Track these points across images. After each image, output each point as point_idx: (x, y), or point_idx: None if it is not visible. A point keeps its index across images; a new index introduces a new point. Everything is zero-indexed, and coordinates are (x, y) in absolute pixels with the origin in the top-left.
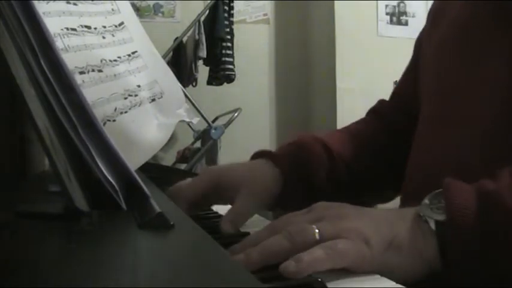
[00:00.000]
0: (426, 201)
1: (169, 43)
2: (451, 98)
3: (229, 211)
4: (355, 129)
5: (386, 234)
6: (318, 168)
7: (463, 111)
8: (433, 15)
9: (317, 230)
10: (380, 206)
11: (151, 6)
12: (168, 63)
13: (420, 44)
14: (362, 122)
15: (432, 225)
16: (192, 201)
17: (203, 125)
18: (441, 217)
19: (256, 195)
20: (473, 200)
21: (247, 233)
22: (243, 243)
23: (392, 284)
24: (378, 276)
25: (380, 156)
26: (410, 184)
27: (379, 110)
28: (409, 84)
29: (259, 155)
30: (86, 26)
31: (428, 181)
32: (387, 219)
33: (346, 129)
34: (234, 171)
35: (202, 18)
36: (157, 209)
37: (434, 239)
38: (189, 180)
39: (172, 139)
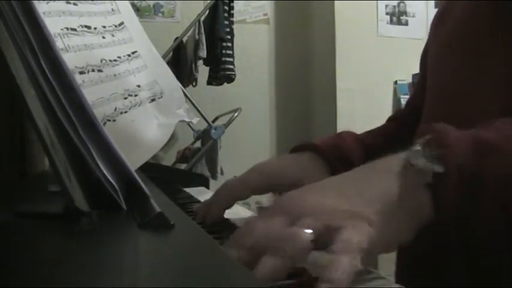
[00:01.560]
0: (416, 149)
1: (169, 43)
2: (453, 97)
3: None
4: (379, 130)
5: (379, 200)
6: (356, 160)
7: (465, 110)
8: (437, 21)
9: (307, 231)
10: None
11: (151, 6)
12: (168, 63)
13: (425, 57)
14: (383, 126)
15: (428, 176)
16: (236, 199)
17: (203, 125)
18: (438, 168)
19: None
20: (471, 151)
21: (233, 224)
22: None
23: (393, 284)
24: (376, 275)
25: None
26: None
27: (397, 116)
28: (419, 94)
29: (301, 148)
30: (86, 26)
31: None
32: (372, 179)
33: (371, 130)
34: (289, 171)
35: (202, 18)
36: (157, 209)
37: (427, 190)
38: (239, 179)
39: (172, 139)
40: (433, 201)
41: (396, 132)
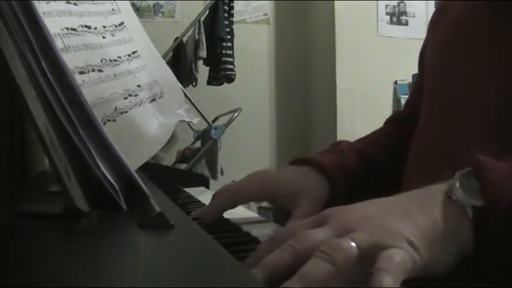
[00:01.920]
0: (456, 182)
1: (169, 43)
2: (451, 96)
3: (293, 218)
4: (378, 135)
5: (425, 228)
6: (355, 172)
7: (462, 109)
8: (434, 20)
9: (353, 244)
10: None
11: (151, 6)
12: (168, 63)
13: (423, 56)
14: (381, 130)
15: (469, 211)
16: (239, 203)
17: (203, 125)
18: (478, 202)
19: (314, 203)
20: (510, 182)
21: (233, 223)
22: (261, 266)
23: None
24: None
25: (397, 161)
26: (409, 188)
27: (395, 119)
28: (418, 95)
29: (301, 162)
30: (86, 26)
31: (428, 184)
32: (418, 208)
33: (368, 136)
34: (289, 180)
35: (202, 18)
36: (157, 209)
37: (469, 225)
38: (238, 184)
39: (172, 139)
40: (474, 236)
41: (395, 137)
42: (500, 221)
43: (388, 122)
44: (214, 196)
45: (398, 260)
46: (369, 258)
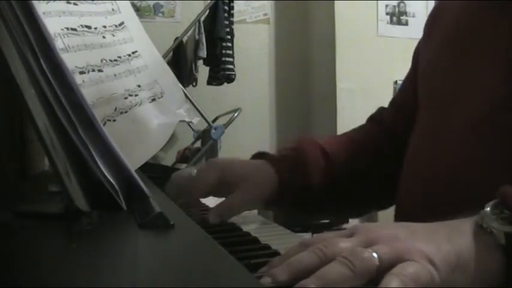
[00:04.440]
0: (487, 210)
1: (169, 43)
2: (447, 97)
3: (220, 203)
4: (353, 135)
5: (448, 252)
6: (314, 172)
7: (458, 109)
8: (430, 21)
9: (375, 255)
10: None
11: (151, 6)
12: (168, 63)
13: (418, 53)
14: (360, 128)
15: (501, 237)
16: (202, 195)
17: (203, 125)
18: (509, 229)
19: (250, 192)
20: None
21: (232, 224)
22: (286, 265)
23: None
24: None
25: (378, 160)
26: (406, 189)
27: (377, 117)
28: (408, 93)
29: (258, 155)
30: (86, 26)
31: (425, 185)
32: (444, 234)
33: (344, 134)
34: (235, 168)
35: (202, 18)
36: (157, 209)
37: (499, 252)
38: (188, 172)
39: (172, 139)
40: (505, 265)
41: (374, 139)
42: None
43: (371, 119)
44: (169, 186)
45: (411, 270)
46: (388, 272)
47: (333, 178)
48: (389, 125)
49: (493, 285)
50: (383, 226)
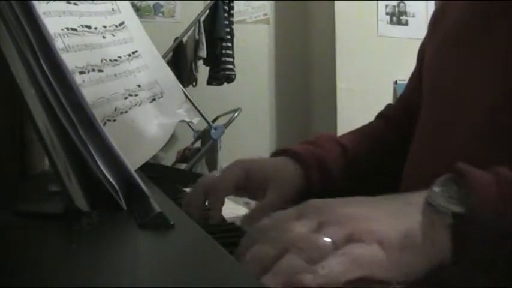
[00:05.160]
0: (436, 188)
1: (169, 43)
2: (450, 95)
3: (258, 206)
4: (364, 132)
5: (400, 231)
6: (334, 166)
7: (461, 108)
8: (434, 19)
9: (329, 239)
10: None
11: (151, 6)
12: (168, 63)
13: (423, 51)
14: (369, 125)
15: (448, 217)
16: (225, 196)
17: (203, 125)
18: (458, 209)
19: (279, 193)
20: (495, 192)
21: (232, 224)
22: (249, 259)
23: None
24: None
25: (388, 156)
26: (406, 187)
27: (386, 113)
28: (412, 91)
29: (280, 152)
30: (86, 26)
31: (426, 183)
32: (394, 211)
33: (356, 130)
34: (263, 168)
35: (202, 18)
36: (158, 208)
37: (448, 231)
38: (216, 173)
39: (172, 139)
40: (453, 243)
41: (383, 134)
42: (478, 229)
43: (379, 116)
44: (195, 188)
45: (357, 251)
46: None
47: (351, 173)
48: (396, 121)
49: (442, 263)
50: (336, 204)
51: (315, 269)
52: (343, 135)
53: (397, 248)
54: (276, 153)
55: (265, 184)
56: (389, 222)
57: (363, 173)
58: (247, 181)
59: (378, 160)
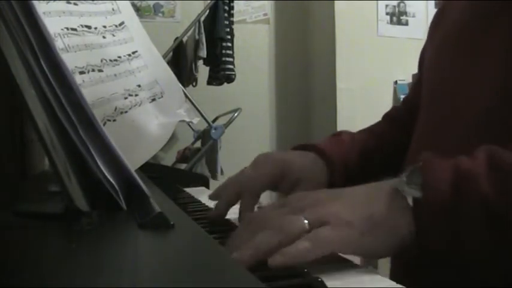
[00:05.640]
0: (403, 176)
1: (169, 43)
2: (449, 96)
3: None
4: (374, 130)
5: (364, 213)
6: (354, 167)
7: (459, 109)
8: (435, 20)
9: (306, 221)
10: None
11: (151, 6)
12: (168, 63)
13: (424, 52)
14: (378, 124)
15: (410, 201)
16: (260, 194)
17: (203, 125)
18: (417, 194)
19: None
20: (449, 179)
21: (232, 223)
22: (230, 245)
23: (393, 284)
24: (379, 276)
25: (396, 154)
26: None
27: (392, 114)
28: (416, 93)
29: (302, 147)
30: (86, 26)
31: None
32: (364, 197)
33: (367, 130)
34: (297, 166)
35: (202, 18)
36: (157, 208)
37: (409, 215)
38: (248, 170)
39: (172, 139)
40: (414, 224)
41: (390, 134)
42: (435, 215)
43: (385, 117)
44: (224, 190)
45: (324, 234)
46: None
47: (364, 174)
48: (401, 122)
49: (403, 245)
50: (314, 193)
51: (285, 249)
52: (358, 132)
53: (361, 228)
54: (302, 147)
55: (297, 182)
56: (355, 207)
57: (374, 172)
58: (281, 179)
59: (386, 159)
